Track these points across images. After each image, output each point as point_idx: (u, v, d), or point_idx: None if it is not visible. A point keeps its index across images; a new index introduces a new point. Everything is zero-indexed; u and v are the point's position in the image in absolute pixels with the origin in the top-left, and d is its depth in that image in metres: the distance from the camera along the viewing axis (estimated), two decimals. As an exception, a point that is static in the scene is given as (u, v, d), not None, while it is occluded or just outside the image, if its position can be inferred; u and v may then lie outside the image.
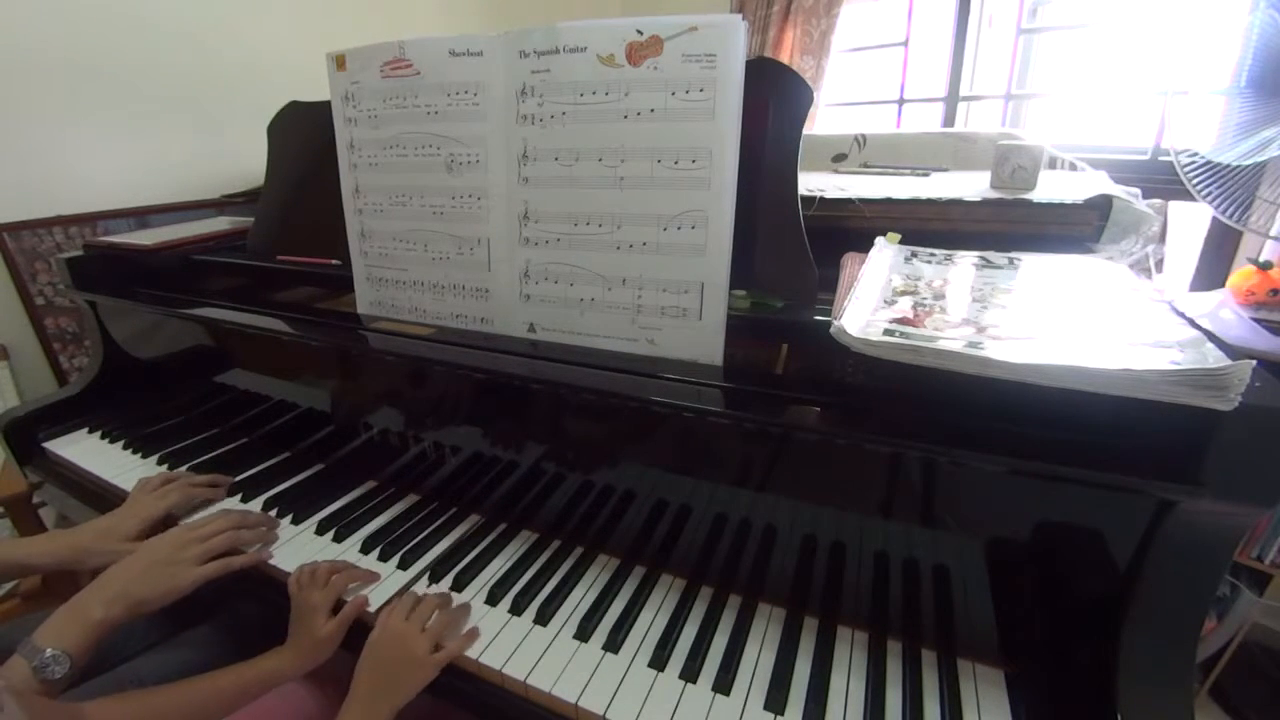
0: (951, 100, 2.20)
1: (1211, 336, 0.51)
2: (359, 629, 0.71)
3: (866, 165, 1.34)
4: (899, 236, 0.81)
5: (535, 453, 0.82)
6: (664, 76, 0.69)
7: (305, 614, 0.72)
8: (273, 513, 0.91)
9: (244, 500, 0.95)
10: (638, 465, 0.76)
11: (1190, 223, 1.67)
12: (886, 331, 0.55)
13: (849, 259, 0.75)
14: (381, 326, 0.92)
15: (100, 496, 1.02)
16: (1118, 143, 1.93)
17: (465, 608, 0.73)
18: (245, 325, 0.97)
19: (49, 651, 0.63)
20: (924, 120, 2.31)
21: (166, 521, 0.88)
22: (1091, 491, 0.54)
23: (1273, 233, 1.37)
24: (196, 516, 0.90)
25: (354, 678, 0.66)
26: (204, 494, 0.94)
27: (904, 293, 0.65)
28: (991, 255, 0.75)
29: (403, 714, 0.65)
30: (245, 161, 1.82)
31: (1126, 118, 1.95)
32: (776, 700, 0.62)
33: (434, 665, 0.66)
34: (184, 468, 1.03)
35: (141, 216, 1.67)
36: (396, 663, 0.66)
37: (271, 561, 0.82)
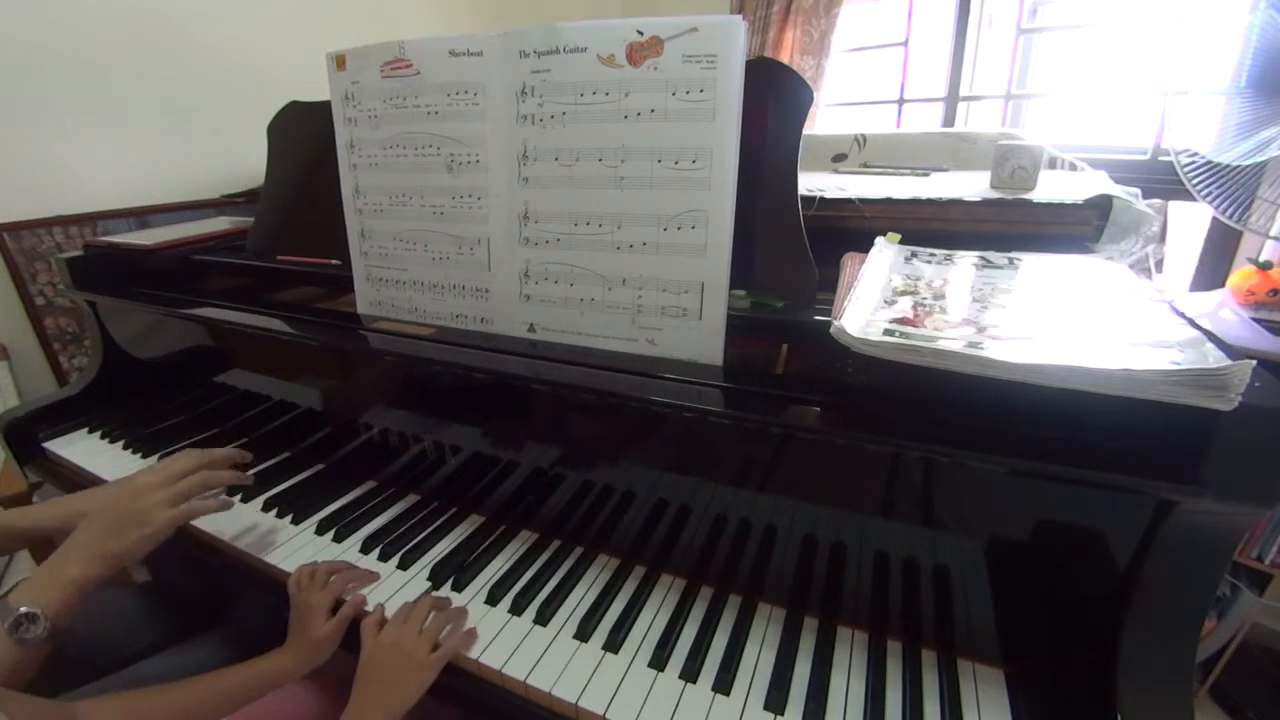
0: (951, 100, 2.20)
1: (1211, 336, 0.50)
2: (358, 629, 0.71)
3: (866, 165, 1.34)
4: (899, 236, 0.81)
5: (535, 453, 0.82)
6: (664, 77, 0.69)
7: (305, 614, 0.72)
8: (273, 513, 0.91)
9: (244, 500, 0.94)
10: (638, 465, 0.76)
11: (1190, 223, 1.67)
12: (886, 331, 0.55)
13: (849, 259, 0.75)
14: (381, 326, 0.92)
15: (100, 496, 1.02)
16: (1118, 143, 1.92)
17: (462, 609, 0.73)
18: (245, 325, 0.97)
19: (22, 609, 0.59)
20: (924, 120, 2.30)
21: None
22: (1091, 491, 0.54)
23: (1273, 233, 1.37)
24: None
25: (353, 689, 0.65)
26: (224, 479, 0.82)
27: (904, 293, 0.65)
28: (991, 255, 0.75)
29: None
30: (245, 161, 1.82)
31: (1126, 118, 1.95)
32: (776, 700, 0.62)
33: (433, 666, 0.66)
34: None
35: (141, 216, 1.67)
36: (396, 669, 0.65)
37: (272, 562, 0.82)
